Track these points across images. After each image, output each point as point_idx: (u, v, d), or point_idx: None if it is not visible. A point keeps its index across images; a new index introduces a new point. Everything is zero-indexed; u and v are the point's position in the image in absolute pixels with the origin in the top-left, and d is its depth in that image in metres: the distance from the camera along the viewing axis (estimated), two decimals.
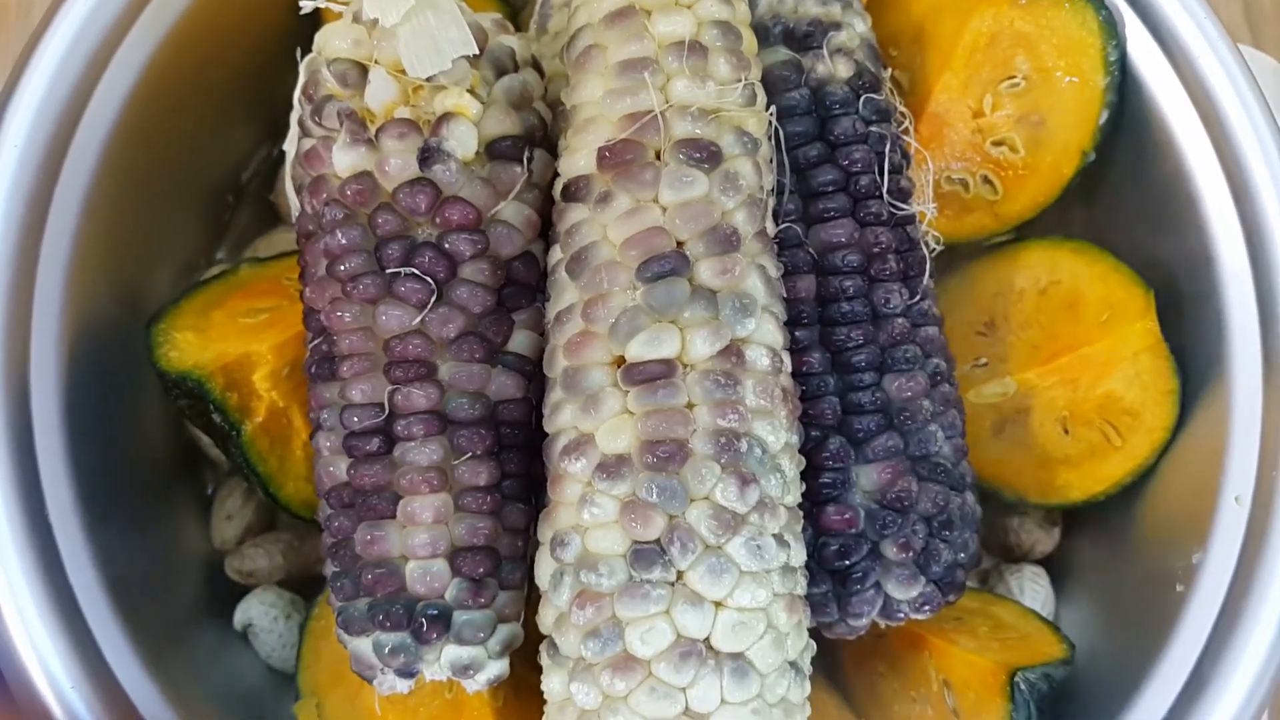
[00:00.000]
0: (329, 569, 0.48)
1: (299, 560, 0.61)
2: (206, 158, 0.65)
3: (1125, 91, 0.57)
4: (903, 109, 0.54)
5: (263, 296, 0.58)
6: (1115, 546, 0.60)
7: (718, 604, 0.41)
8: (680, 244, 0.43)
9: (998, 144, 0.59)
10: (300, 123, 0.49)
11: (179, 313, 0.57)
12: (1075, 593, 0.63)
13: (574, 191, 0.45)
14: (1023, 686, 0.52)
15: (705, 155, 0.44)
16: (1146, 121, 0.57)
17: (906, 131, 0.53)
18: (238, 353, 0.54)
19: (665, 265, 0.42)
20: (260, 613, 0.60)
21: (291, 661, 0.60)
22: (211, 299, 0.58)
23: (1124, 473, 0.58)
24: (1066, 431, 0.58)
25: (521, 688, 0.53)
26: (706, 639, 0.40)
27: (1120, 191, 0.60)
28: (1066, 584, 0.63)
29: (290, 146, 0.51)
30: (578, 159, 0.45)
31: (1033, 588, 0.62)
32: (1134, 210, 0.59)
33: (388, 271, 0.45)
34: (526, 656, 0.48)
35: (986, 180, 0.59)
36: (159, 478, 0.61)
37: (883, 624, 0.51)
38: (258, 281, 0.59)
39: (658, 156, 0.44)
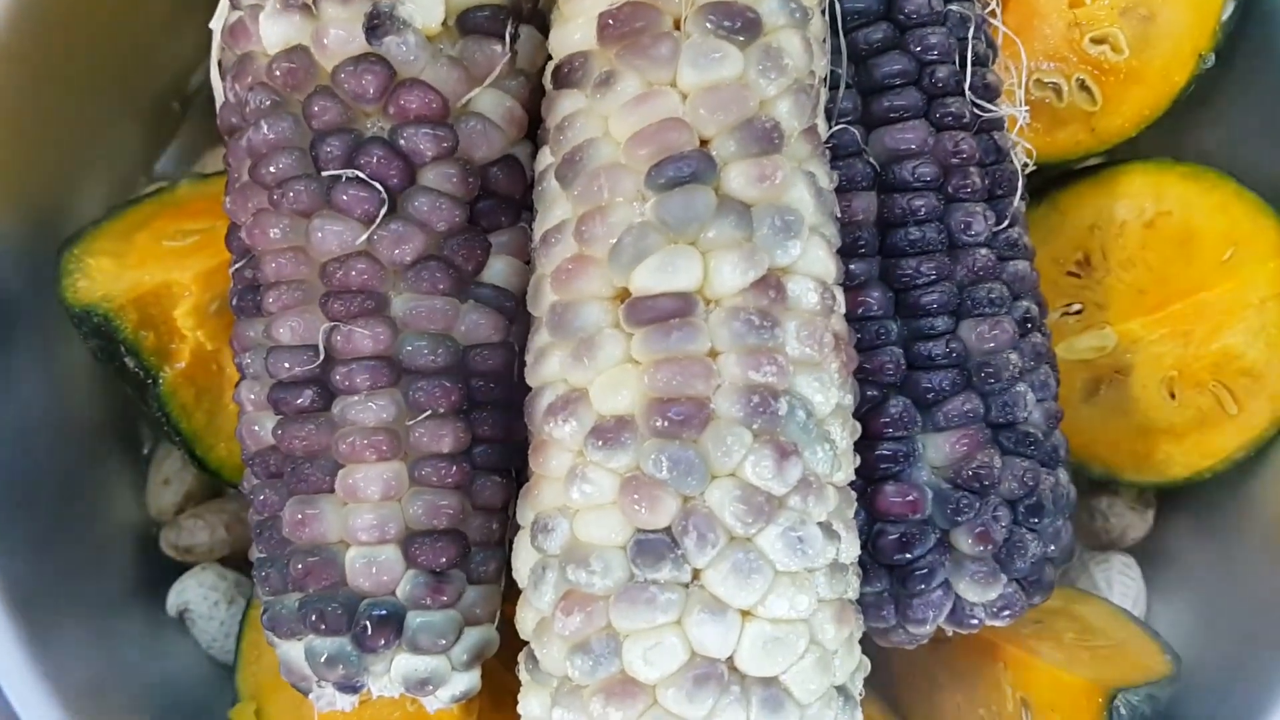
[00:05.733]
0: (254, 553, 0.42)
1: (246, 535, 0.55)
2: (146, 57, 0.58)
3: None
4: None
5: (199, 217, 0.52)
6: (1223, 535, 0.56)
7: (745, 613, 0.36)
8: (704, 141, 0.38)
9: (1098, 42, 0.53)
10: None
11: (98, 235, 0.51)
12: (1171, 589, 0.58)
13: (568, 74, 0.40)
14: (1124, 711, 0.46)
15: (739, 24, 0.37)
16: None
17: (993, 14, 0.46)
18: (155, 282, 0.49)
19: (684, 168, 0.37)
20: (198, 596, 0.54)
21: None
22: (138, 220, 0.52)
23: (1237, 445, 0.53)
24: (1172, 395, 0.54)
25: (503, 696, 0.47)
26: (729, 659, 0.36)
27: (1245, 104, 0.55)
28: (1160, 578, 0.58)
29: (217, 24, 0.44)
30: (572, 30, 0.39)
31: (1122, 581, 0.57)
32: (1261, 127, 0.54)
33: (325, 175, 0.39)
34: (508, 659, 0.42)
35: (1083, 86, 0.54)
36: (82, 436, 0.55)
37: (950, 631, 0.45)
38: (197, 200, 0.53)
39: (677, 26, 0.38)
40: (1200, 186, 0.53)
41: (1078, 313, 0.55)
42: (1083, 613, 0.53)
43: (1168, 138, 0.55)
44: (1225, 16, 0.52)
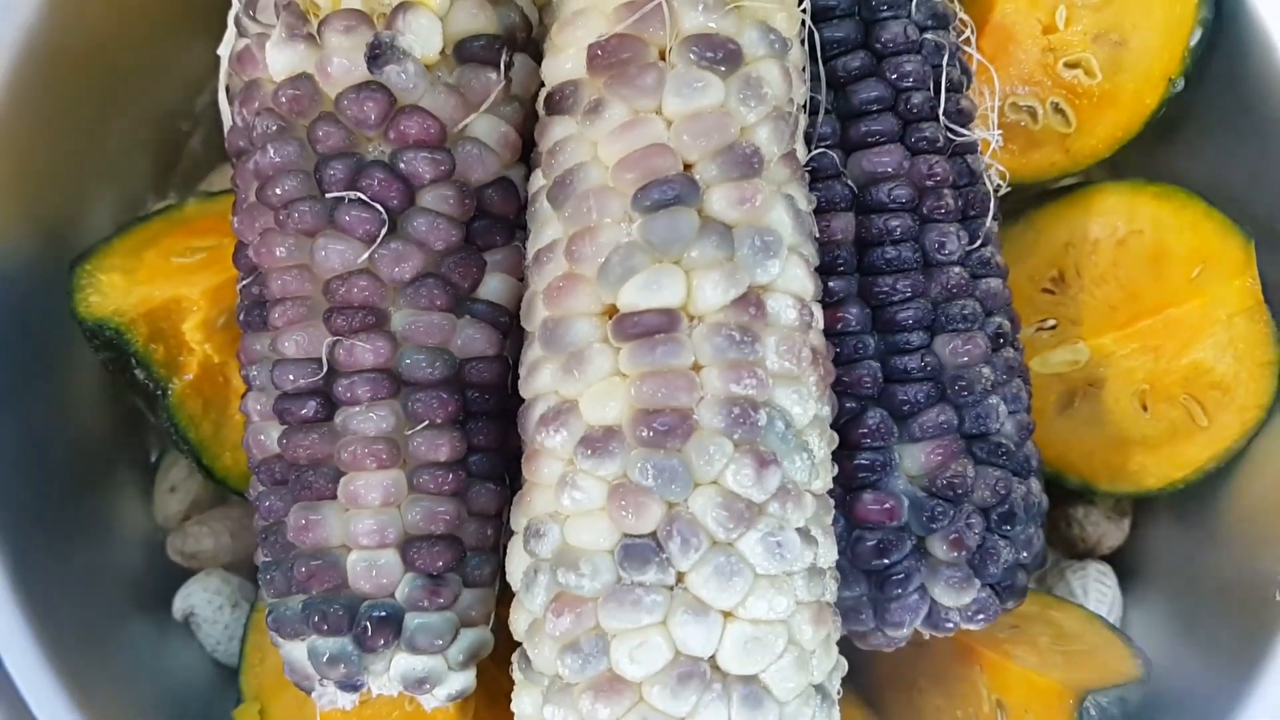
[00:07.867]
0: (260, 557, 0.43)
1: (250, 541, 0.55)
2: (154, 78, 0.59)
3: (1222, 7, 0.52)
4: (963, 16, 0.48)
5: (206, 235, 0.52)
6: (1197, 543, 0.56)
7: (726, 614, 0.36)
8: (688, 166, 0.38)
9: (1071, 66, 0.54)
10: (236, 20, 0.43)
11: (109, 252, 0.52)
12: (1146, 596, 0.58)
13: (559, 101, 0.40)
14: (1093, 712, 0.47)
15: (721, 55, 0.38)
16: (1247, 43, 0.51)
17: (968, 42, 0.47)
18: (165, 297, 0.50)
19: (668, 191, 0.38)
20: (203, 600, 0.55)
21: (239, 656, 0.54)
22: (148, 237, 0.53)
23: (1209, 456, 0.53)
24: (1145, 408, 0.54)
25: (498, 695, 0.48)
26: (712, 658, 0.36)
27: (1214, 127, 0.55)
28: (1136, 585, 0.58)
29: (225, 50, 0.45)
30: (563, 60, 0.40)
31: (1098, 589, 0.57)
32: (1229, 149, 0.54)
33: (329, 196, 0.40)
34: (503, 659, 0.43)
35: (1058, 109, 0.54)
36: (90, 445, 0.55)
37: (927, 634, 0.46)
38: (204, 218, 0.54)
39: (662, 56, 0.39)
40: (1171, 206, 0.54)
41: (1052, 328, 0.55)
42: (1058, 618, 0.53)
43: (1140, 158, 0.55)
44: (1193, 43, 0.52)
